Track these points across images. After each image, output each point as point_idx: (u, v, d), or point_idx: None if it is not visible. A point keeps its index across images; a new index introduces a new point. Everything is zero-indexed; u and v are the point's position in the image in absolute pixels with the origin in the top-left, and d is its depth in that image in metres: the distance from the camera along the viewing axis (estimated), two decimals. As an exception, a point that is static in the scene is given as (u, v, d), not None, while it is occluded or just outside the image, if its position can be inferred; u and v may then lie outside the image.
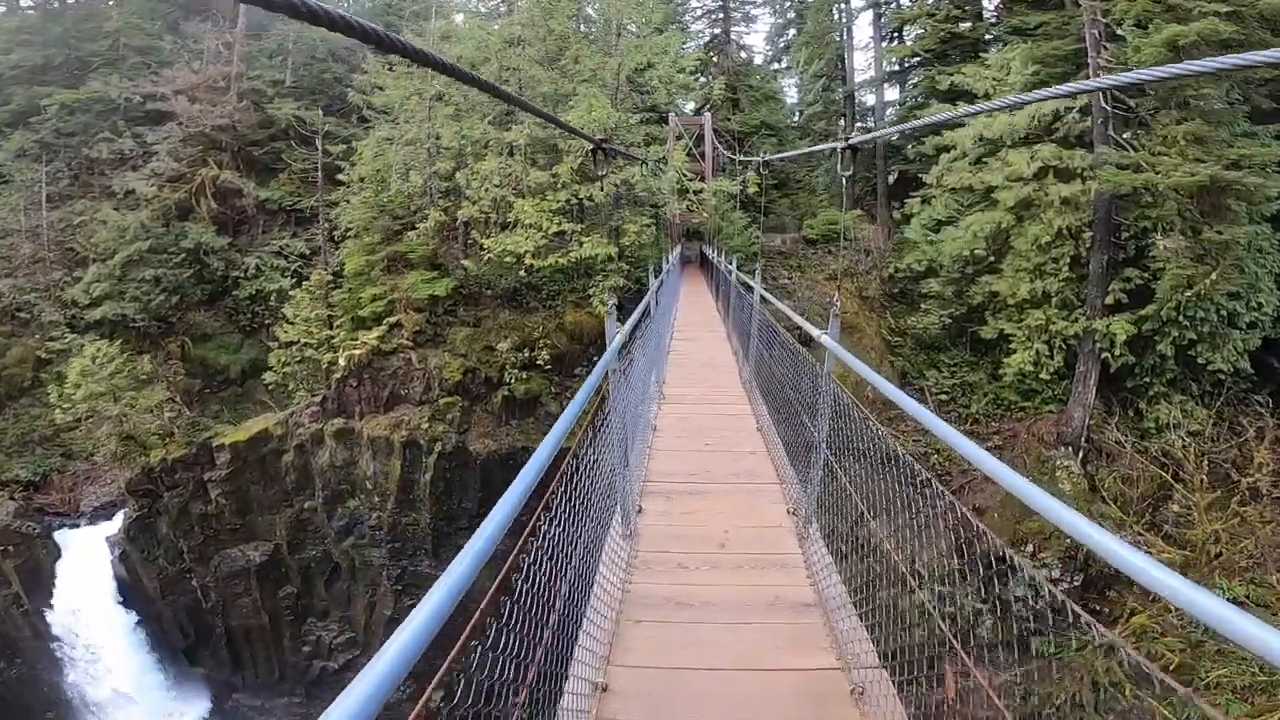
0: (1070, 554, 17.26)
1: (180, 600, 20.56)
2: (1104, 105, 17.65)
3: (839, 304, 3.68)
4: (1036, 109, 18.01)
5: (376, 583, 20.52)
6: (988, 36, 25.58)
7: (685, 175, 18.32)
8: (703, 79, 25.50)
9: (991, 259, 18.84)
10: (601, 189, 14.93)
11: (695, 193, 18.39)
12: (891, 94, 32.07)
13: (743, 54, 31.41)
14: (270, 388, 19.36)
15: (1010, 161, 17.97)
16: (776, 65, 38.30)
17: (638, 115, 17.45)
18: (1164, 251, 16.24)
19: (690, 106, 29.01)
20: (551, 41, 17.10)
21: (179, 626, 21.15)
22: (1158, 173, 15.71)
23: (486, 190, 15.79)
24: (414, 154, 17.93)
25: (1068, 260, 18.04)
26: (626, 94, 17.99)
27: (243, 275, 23.52)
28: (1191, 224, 16.53)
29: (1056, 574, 17.49)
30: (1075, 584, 17.22)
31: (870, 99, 33.07)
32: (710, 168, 21.79)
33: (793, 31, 37.19)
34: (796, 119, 34.87)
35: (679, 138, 20.05)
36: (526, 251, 15.05)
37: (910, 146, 28.26)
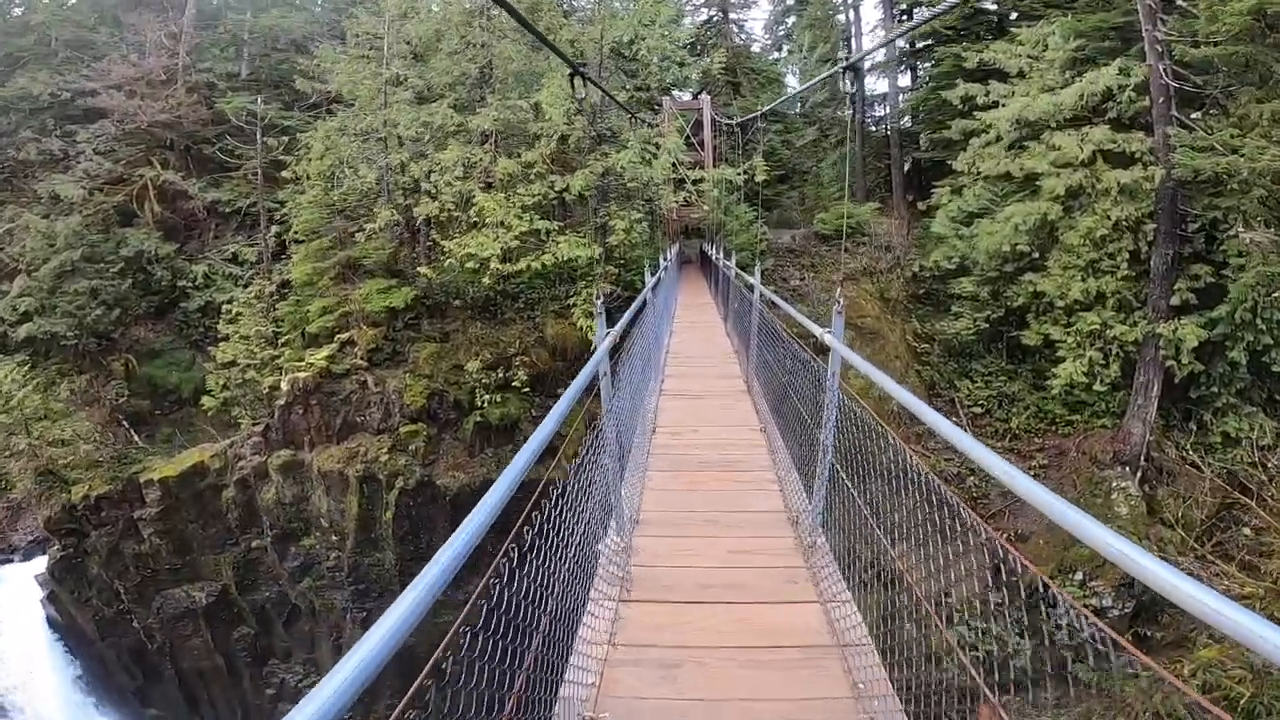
0: (1126, 581, 15.40)
1: (123, 641, 18.72)
2: (1166, 81, 15.26)
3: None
4: (1085, 87, 15.62)
5: (340, 625, 18.57)
6: (1013, 14, 23.15)
7: (682, 163, 15.90)
8: (698, 58, 23.06)
9: (1035, 255, 16.40)
10: (589, 173, 12.44)
11: (694, 183, 15.95)
12: (903, 80, 29.79)
13: (743, 36, 28.97)
14: (210, 414, 16.92)
15: (1057, 145, 15.56)
16: (777, 54, 36.00)
17: (625, 95, 15.02)
18: (1247, 245, 13.82)
19: (685, 97, 26.65)
20: (524, 10, 14.69)
21: (125, 668, 19.41)
22: (1242, 156, 13.30)
23: (448, 184, 13.38)
24: (368, 146, 15.54)
25: (1126, 256, 15.62)
26: (612, 71, 15.58)
27: (191, 285, 21.12)
28: (1277, 214, 14.14)
29: (1108, 602, 15.75)
30: (1126, 610, 15.45)
31: (881, 85, 30.73)
32: (710, 157, 19.40)
33: (792, 19, 34.91)
34: (799, 107, 32.48)
35: (672, 113, 17.61)
36: (492, 255, 12.61)
37: (925, 134, 25.94)
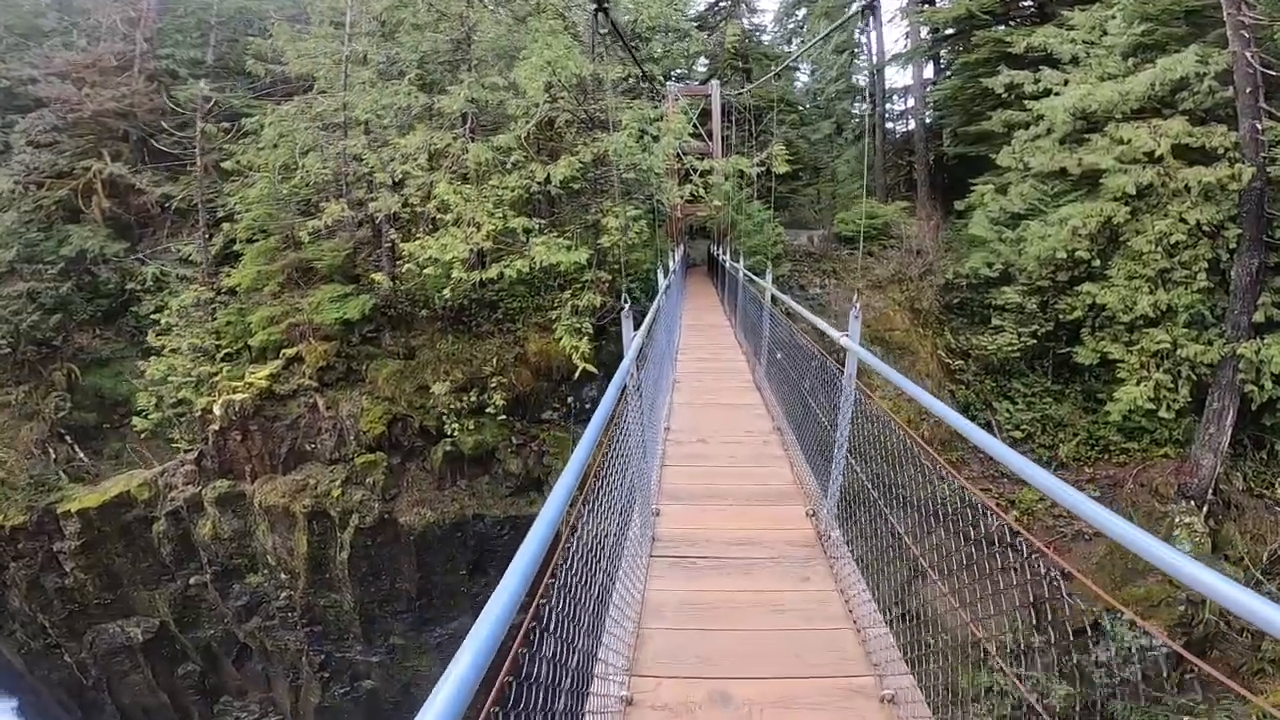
0: (1181, 621, 13.76)
1: (54, 676, 17.27)
2: (1254, 69, 13.19)
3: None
4: (1160, 74, 13.53)
5: (297, 666, 16.79)
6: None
7: (688, 152, 13.75)
8: (707, 34, 20.78)
9: (1095, 262, 14.24)
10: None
11: (702, 174, 13.75)
12: (926, 71, 27.62)
13: (753, 20, 26.80)
14: (143, 436, 14.83)
15: (1126, 138, 13.41)
16: (787, 47, 33.94)
17: (623, 72, 12.81)
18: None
19: (693, 84, 24.50)
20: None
21: (59, 702, 17.70)
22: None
23: (408, 173, 11.26)
24: (327, 132, 13.45)
25: (1204, 265, 13.46)
26: (608, 45, 13.45)
27: (142, 287, 19.04)
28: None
29: (1158, 640, 14.35)
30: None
31: (903, 77, 28.56)
32: (720, 148, 17.27)
33: (803, 11, 32.86)
34: (814, 100, 30.33)
35: (676, 99, 15.43)
36: (455, 258, 10.43)
37: (952, 128, 23.78)
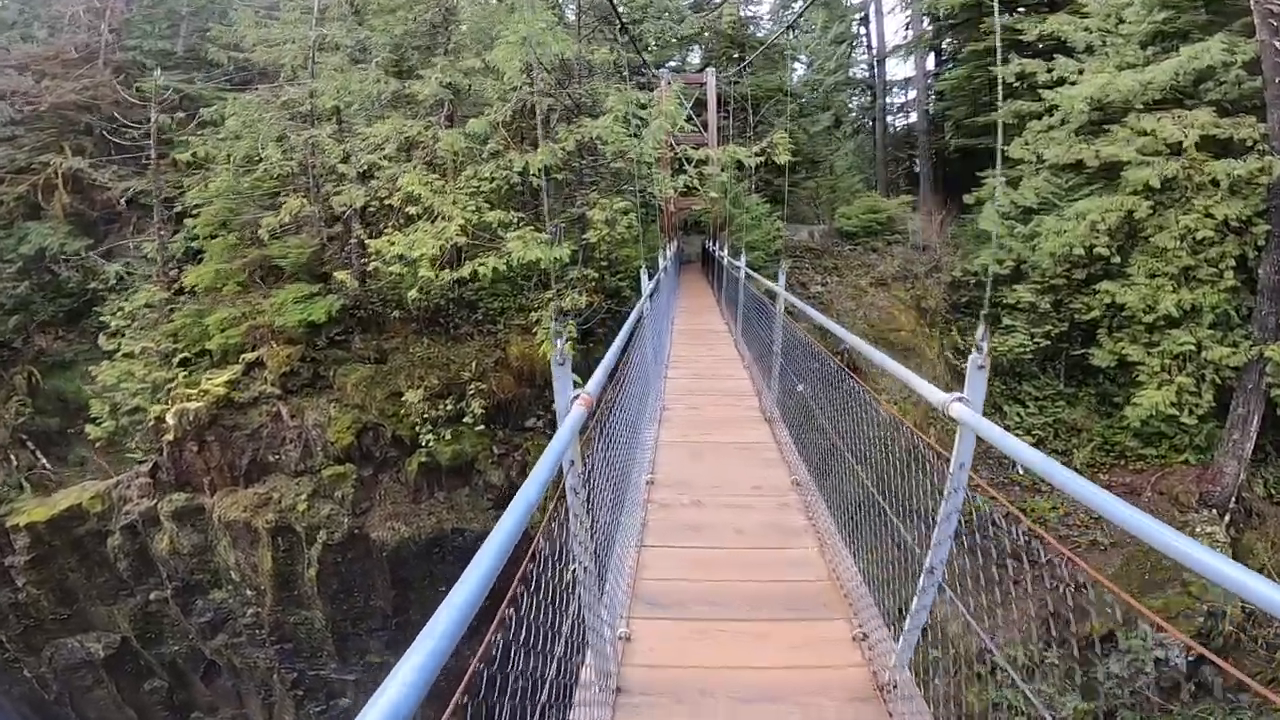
0: (1201, 633, 13.08)
1: (15, 690, 16.51)
2: (1283, 56, 12.37)
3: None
4: (1185, 63, 12.72)
5: (269, 684, 15.99)
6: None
7: (682, 142, 12.82)
8: (702, 16, 19.79)
9: (1115, 259, 13.42)
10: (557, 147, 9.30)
11: (697, 165, 12.77)
12: (927, 63, 26.74)
13: (752, 7, 25.91)
14: (99, 445, 13.89)
15: (1149, 129, 12.58)
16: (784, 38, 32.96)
17: (608, 49, 11.83)
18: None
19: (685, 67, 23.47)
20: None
21: (22, 716, 16.87)
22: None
23: (376, 165, 10.33)
24: (294, 123, 12.49)
25: (1231, 263, 12.64)
26: (594, 27, 12.51)
27: (105, 286, 18.06)
28: None
29: (1174, 653, 14.02)
30: (1191, 658, 13.63)
31: (905, 69, 27.73)
32: (715, 139, 16.38)
33: (799, 2, 31.97)
34: (811, 92, 29.38)
35: (669, 84, 14.48)
36: (423, 255, 9.49)
37: (954, 120, 22.96)
